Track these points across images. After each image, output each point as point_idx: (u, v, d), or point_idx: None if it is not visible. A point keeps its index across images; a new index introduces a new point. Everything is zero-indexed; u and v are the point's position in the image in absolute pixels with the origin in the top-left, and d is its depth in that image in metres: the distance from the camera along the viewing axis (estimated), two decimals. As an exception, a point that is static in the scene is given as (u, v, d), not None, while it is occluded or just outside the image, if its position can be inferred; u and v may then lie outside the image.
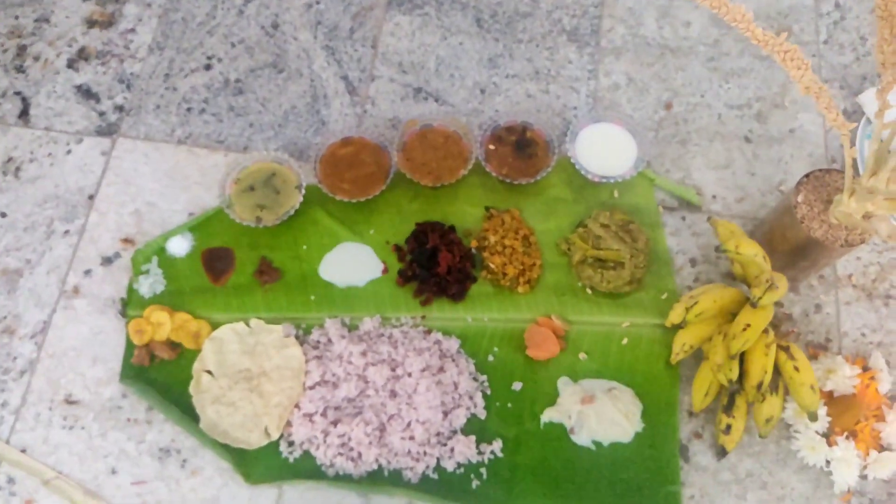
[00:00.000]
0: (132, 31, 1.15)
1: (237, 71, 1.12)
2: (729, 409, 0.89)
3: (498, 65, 1.13)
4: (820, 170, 0.89)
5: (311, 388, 0.91)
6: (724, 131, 1.08)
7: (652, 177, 1.05)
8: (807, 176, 0.89)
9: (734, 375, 0.86)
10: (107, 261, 1.00)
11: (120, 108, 1.09)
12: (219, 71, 1.12)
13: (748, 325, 0.84)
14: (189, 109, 1.09)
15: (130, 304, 0.97)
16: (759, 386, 0.85)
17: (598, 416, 0.90)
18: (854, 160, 1.03)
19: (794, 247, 0.91)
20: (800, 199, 0.87)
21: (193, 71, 1.12)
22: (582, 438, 0.91)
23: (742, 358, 0.87)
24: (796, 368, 0.86)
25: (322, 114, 1.09)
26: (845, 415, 0.89)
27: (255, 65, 1.12)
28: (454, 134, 1.03)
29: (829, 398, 0.91)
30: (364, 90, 1.11)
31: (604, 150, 1.03)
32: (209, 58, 1.13)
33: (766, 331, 0.86)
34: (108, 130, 1.08)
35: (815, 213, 0.87)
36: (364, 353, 0.91)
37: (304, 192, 0.98)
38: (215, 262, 0.99)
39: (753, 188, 1.05)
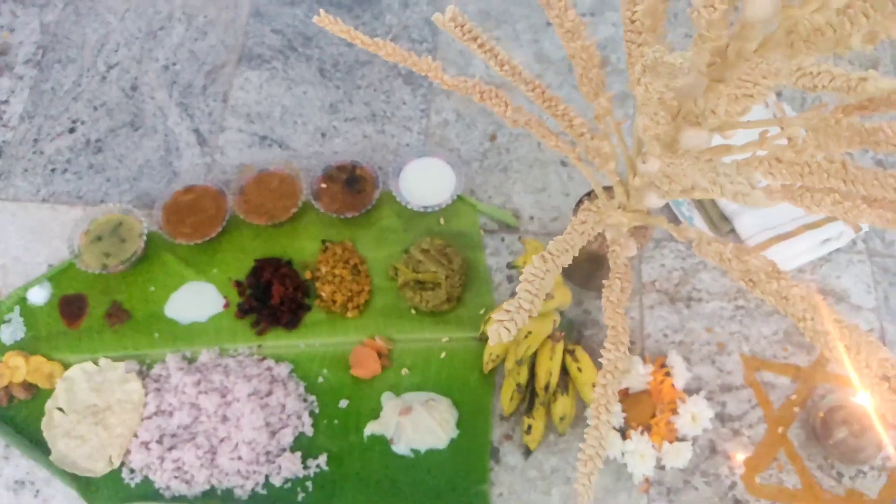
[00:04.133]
0: (5, 102, 1.25)
1: (98, 132, 1.22)
2: (529, 410, 0.97)
3: (338, 110, 1.23)
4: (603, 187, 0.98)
5: (149, 417, 0.99)
6: (543, 158, 1.18)
7: (474, 203, 1.14)
8: (588, 195, 0.98)
9: (523, 379, 0.94)
10: (-26, 313, 1.09)
11: (-8, 173, 1.19)
12: (82, 133, 1.22)
13: (529, 333, 0.92)
14: (53, 170, 1.19)
15: (-8, 352, 1.06)
16: (547, 387, 0.93)
17: (415, 425, 0.98)
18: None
19: (584, 260, 0.99)
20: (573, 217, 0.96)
21: (59, 135, 1.22)
22: (401, 448, 0.98)
23: (535, 363, 0.96)
24: (580, 369, 0.94)
25: (174, 165, 1.19)
26: (637, 409, 0.97)
27: (114, 125, 1.22)
28: (288, 176, 1.12)
29: (625, 395, 0.99)
30: (214, 140, 1.21)
31: (426, 182, 1.12)
32: (74, 121, 1.23)
33: (552, 336, 0.95)
34: (-20, 194, 1.18)
35: (592, 228, 0.96)
36: (197, 383, 1.00)
37: (145, 238, 1.07)
38: (70, 307, 1.08)
39: (567, 208, 1.14)
